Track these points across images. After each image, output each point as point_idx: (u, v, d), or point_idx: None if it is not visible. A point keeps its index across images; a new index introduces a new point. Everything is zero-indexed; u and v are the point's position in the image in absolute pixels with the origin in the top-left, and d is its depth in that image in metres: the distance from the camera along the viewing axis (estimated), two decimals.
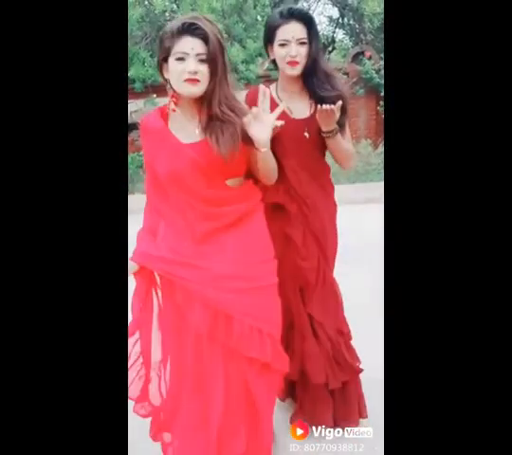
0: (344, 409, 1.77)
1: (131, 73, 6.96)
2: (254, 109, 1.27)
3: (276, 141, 1.46)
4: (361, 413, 1.79)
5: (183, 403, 1.45)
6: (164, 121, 1.37)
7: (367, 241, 3.73)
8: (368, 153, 7.09)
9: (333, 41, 11.58)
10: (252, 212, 1.43)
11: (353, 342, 1.80)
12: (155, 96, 6.96)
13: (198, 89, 1.26)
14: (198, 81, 1.24)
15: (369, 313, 2.19)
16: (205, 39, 1.22)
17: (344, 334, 1.77)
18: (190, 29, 1.22)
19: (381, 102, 7.29)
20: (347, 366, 1.73)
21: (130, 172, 6.89)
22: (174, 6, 7.70)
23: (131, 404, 1.48)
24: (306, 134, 1.54)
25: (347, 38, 10.68)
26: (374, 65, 7.42)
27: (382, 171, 5.97)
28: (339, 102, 1.43)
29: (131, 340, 1.46)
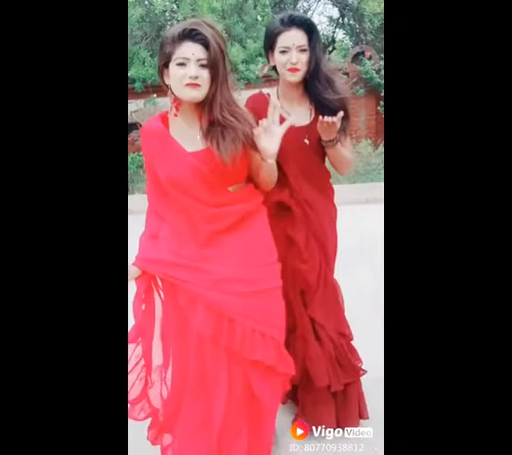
0: (345, 411, 1.77)
1: (131, 73, 6.96)
2: (264, 121, 1.27)
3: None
4: (362, 415, 1.79)
5: (184, 404, 1.45)
6: (165, 127, 1.36)
7: (367, 241, 3.73)
8: (368, 153, 7.08)
9: (333, 41, 11.58)
10: (254, 213, 1.43)
11: (353, 342, 1.80)
12: (155, 96, 6.96)
13: (199, 93, 1.26)
14: (199, 85, 1.24)
15: (369, 313, 2.19)
16: (205, 44, 1.22)
17: (346, 335, 1.77)
18: (190, 35, 1.22)
19: (381, 102, 7.29)
20: (350, 368, 1.74)
21: (130, 172, 6.90)
22: (174, 6, 7.70)
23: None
24: (306, 140, 1.55)
25: (347, 38, 10.68)
26: (374, 65, 7.42)
27: (382, 171, 5.97)
28: (340, 113, 1.43)
29: (132, 344, 1.46)
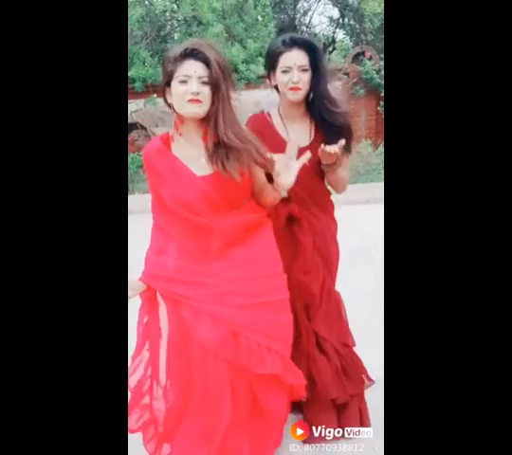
0: (346, 419, 1.77)
1: (131, 73, 6.95)
2: (283, 158, 1.30)
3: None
4: (364, 422, 1.79)
5: (186, 416, 1.44)
6: (167, 148, 1.36)
7: (367, 241, 3.73)
8: (368, 153, 7.08)
9: (333, 41, 11.58)
10: (259, 226, 1.44)
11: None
12: (155, 95, 6.95)
13: (200, 110, 1.26)
14: (200, 101, 1.25)
15: (369, 313, 2.19)
16: (207, 62, 1.24)
17: (349, 345, 1.78)
18: (192, 54, 1.25)
19: (381, 103, 7.28)
20: (356, 378, 1.75)
21: (130, 171, 6.89)
22: (175, 6, 7.69)
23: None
24: (307, 162, 1.57)
25: (347, 38, 10.68)
26: (374, 66, 7.41)
27: (382, 171, 5.97)
28: (342, 142, 1.45)
29: (136, 353, 1.47)
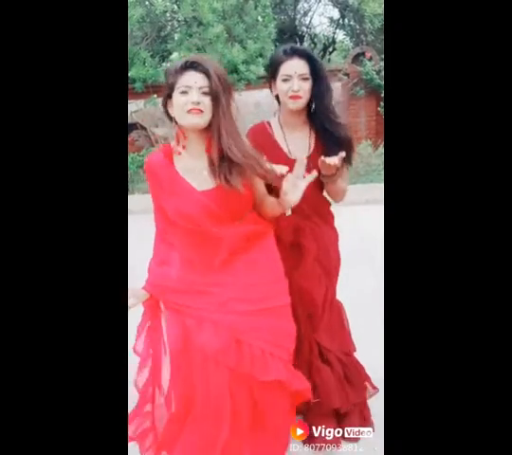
0: (347, 423, 1.77)
1: (131, 73, 6.96)
2: (290, 177, 1.30)
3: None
4: (364, 424, 1.79)
5: (188, 424, 1.43)
6: (169, 161, 1.37)
7: (367, 242, 3.73)
8: (368, 154, 7.08)
9: (333, 42, 11.60)
10: (262, 235, 1.44)
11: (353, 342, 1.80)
12: (155, 96, 6.96)
13: (201, 120, 1.27)
14: (201, 111, 1.26)
15: (369, 314, 2.19)
16: (207, 74, 1.26)
17: (351, 355, 1.78)
18: (192, 66, 1.27)
19: (381, 103, 7.29)
20: (360, 387, 1.75)
21: (130, 172, 6.90)
22: (175, 6, 7.70)
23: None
24: (306, 174, 1.57)
25: (348, 39, 10.70)
26: (374, 66, 7.41)
27: (382, 172, 5.97)
28: (342, 154, 1.45)
29: (139, 362, 1.47)
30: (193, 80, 1.26)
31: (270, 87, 1.62)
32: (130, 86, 6.98)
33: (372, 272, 3.19)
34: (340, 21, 10.44)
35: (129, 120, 7.16)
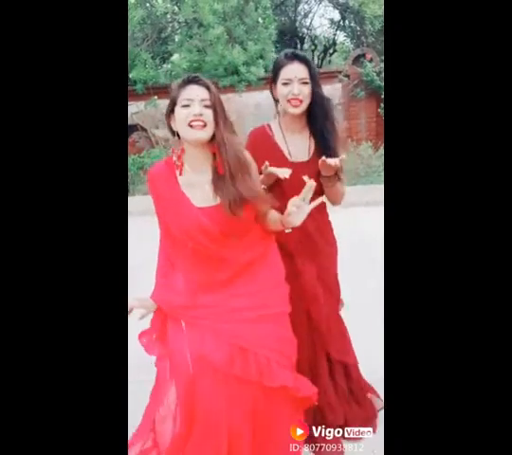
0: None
1: (132, 75, 6.97)
2: (297, 200, 1.30)
3: (275, 185, 1.54)
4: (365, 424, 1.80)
5: (191, 440, 1.40)
6: (172, 173, 1.36)
7: (367, 243, 3.73)
8: (368, 155, 7.09)
9: (334, 43, 11.62)
10: (266, 253, 1.44)
11: (353, 343, 1.80)
12: (155, 97, 6.97)
13: (205, 134, 1.27)
14: (204, 124, 1.26)
15: (369, 315, 2.19)
16: (207, 87, 1.28)
17: (351, 364, 1.79)
18: (194, 80, 1.29)
19: (382, 105, 7.30)
20: (367, 404, 1.76)
21: (130, 173, 6.90)
22: (176, 8, 7.72)
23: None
24: (305, 177, 1.58)
25: (348, 40, 10.72)
26: (374, 68, 7.43)
27: (382, 173, 5.97)
28: (343, 156, 1.46)
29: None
30: (195, 93, 1.28)
31: (271, 91, 1.63)
32: (130, 88, 6.99)
33: (372, 273, 3.19)
34: (341, 22, 10.46)
35: (129, 122, 7.17)
